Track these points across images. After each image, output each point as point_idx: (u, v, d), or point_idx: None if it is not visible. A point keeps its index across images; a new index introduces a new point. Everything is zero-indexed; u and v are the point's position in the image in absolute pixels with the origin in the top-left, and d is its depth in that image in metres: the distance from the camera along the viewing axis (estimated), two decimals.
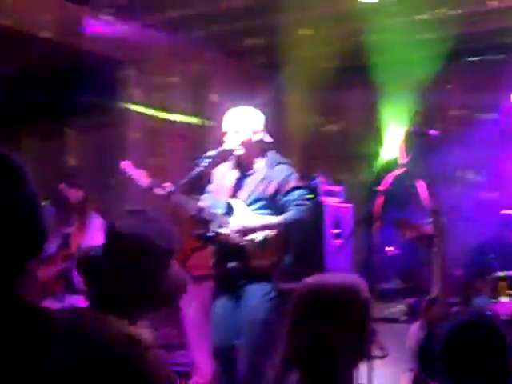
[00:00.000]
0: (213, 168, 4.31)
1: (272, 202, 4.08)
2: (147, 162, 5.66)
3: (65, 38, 5.40)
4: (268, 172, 4.12)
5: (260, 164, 4.17)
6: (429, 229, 4.74)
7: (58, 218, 4.99)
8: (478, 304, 5.29)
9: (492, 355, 2.08)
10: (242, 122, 4.13)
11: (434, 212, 4.51)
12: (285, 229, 4.04)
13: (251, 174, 4.16)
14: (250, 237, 4.03)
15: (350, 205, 6.19)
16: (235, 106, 4.25)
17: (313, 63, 6.29)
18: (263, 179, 4.10)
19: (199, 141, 6.25)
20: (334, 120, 7.79)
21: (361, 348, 1.97)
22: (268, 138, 4.22)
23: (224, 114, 4.23)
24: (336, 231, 5.78)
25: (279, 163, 4.18)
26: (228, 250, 4.06)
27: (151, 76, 6.31)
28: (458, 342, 2.12)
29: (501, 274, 5.26)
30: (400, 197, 4.91)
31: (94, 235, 4.89)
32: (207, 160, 4.15)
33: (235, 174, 4.21)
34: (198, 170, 4.17)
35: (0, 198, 1.04)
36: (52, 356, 0.97)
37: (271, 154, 4.22)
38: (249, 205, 4.09)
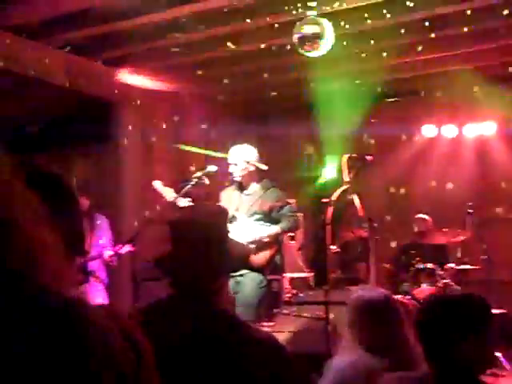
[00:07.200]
0: (201, 185, 5.43)
1: (266, 216, 5.36)
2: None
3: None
4: (263, 193, 5.40)
5: (256, 187, 5.45)
6: (364, 232, 5.83)
7: None
8: (403, 290, 6.41)
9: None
10: (241, 156, 5.39)
11: (368, 219, 5.63)
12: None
13: (250, 195, 5.43)
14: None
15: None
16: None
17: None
18: (259, 198, 5.37)
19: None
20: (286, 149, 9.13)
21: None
22: (263, 167, 5.43)
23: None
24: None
25: (271, 187, 5.46)
26: None
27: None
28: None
29: (420, 266, 6.36)
30: (342, 207, 5.87)
31: (101, 233, 6.04)
32: (195, 179, 5.29)
33: (238, 194, 5.47)
34: (188, 186, 5.30)
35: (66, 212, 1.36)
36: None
37: (265, 180, 5.51)
38: (248, 217, 5.34)
